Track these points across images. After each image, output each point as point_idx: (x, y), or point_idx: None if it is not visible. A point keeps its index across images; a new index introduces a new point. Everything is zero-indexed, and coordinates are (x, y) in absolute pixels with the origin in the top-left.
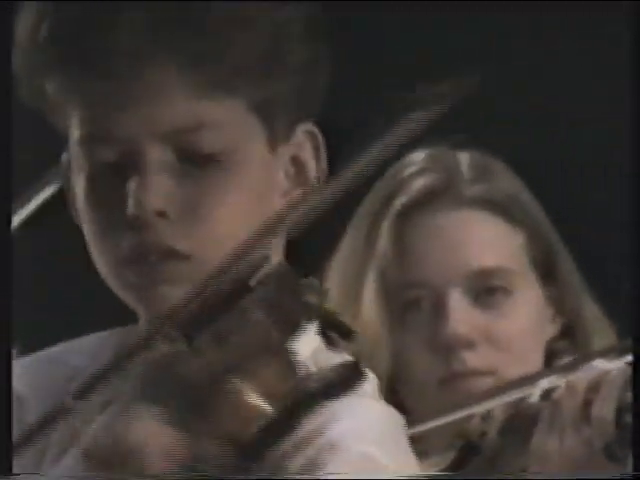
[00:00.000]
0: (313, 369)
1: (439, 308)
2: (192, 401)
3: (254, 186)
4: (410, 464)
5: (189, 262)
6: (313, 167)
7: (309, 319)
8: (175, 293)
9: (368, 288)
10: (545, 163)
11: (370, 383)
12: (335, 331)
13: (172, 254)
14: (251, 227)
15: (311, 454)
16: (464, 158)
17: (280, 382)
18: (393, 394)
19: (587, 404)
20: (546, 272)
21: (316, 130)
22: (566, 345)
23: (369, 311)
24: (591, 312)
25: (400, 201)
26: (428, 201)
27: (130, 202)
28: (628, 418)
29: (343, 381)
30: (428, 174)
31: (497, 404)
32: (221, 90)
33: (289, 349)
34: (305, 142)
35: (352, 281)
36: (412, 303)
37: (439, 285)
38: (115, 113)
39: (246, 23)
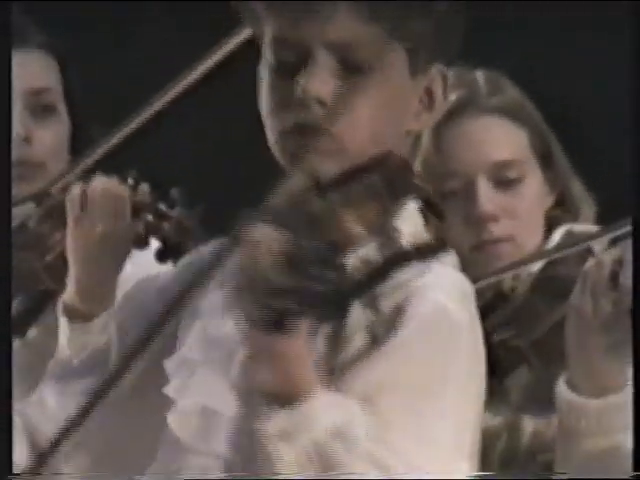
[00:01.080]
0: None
1: (470, 192)
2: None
3: (394, 97)
4: (472, 315)
5: (333, 140)
6: (441, 101)
7: (415, 197)
8: (320, 163)
9: None
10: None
11: (452, 256)
12: (431, 211)
13: (323, 133)
14: (387, 126)
15: (400, 297)
16: (480, 76)
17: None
18: None
19: (614, 274)
20: (544, 160)
21: (447, 70)
22: (559, 213)
23: None
24: (576, 187)
25: None
26: (456, 111)
27: (298, 89)
28: None
29: (431, 249)
30: (456, 90)
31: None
32: (374, 20)
33: (394, 213)
34: (437, 79)
35: None
36: (449, 194)
37: (469, 174)
38: (299, 25)
39: None
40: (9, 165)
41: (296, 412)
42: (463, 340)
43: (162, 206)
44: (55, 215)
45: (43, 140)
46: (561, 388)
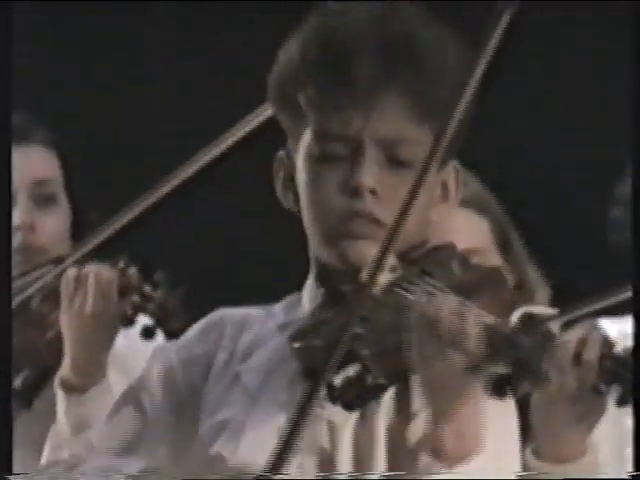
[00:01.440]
0: None
1: None
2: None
3: (426, 189)
4: None
5: (381, 228)
6: (454, 193)
7: None
8: (368, 250)
9: None
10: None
11: None
12: None
13: (373, 221)
14: (423, 215)
15: None
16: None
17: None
18: None
19: (577, 353)
20: (503, 248)
21: (460, 167)
22: (517, 296)
23: None
24: (532, 273)
25: None
26: None
27: (352, 179)
28: (609, 364)
29: None
30: None
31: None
32: (421, 118)
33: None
34: (452, 174)
35: None
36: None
37: None
38: (347, 120)
39: (445, 70)
40: (9, 164)
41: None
42: None
43: (147, 288)
44: (52, 296)
45: (45, 227)
46: (528, 457)
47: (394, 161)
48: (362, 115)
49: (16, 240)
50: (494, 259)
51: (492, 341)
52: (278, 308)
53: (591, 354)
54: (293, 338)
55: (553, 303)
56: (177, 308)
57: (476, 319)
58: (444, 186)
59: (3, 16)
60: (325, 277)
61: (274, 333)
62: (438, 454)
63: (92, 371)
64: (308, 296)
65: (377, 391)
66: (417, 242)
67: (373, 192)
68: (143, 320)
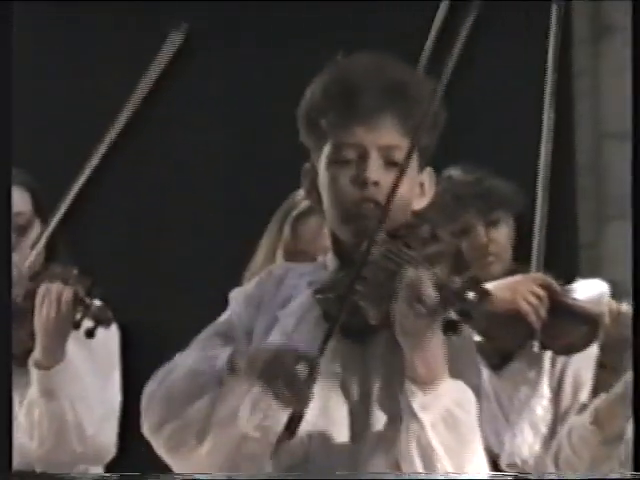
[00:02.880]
0: None
1: None
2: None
3: (412, 182)
4: None
5: (379, 209)
6: (429, 191)
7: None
8: (371, 227)
9: None
10: None
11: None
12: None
13: (376, 204)
14: (408, 204)
15: None
16: None
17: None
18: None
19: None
20: None
21: (432, 171)
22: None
23: None
24: None
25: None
26: None
27: (361, 175)
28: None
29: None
30: None
31: None
32: (406, 133)
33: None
34: (428, 176)
35: None
36: None
37: None
38: (359, 134)
39: (421, 101)
40: (9, 164)
41: (432, 391)
42: None
43: (88, 300)
44: (30, 298)
45: (24, 249)
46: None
47: (389, 162)
48: (366, 131)
49: None
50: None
51: (443, 295)
52: (309, 269)
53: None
54: (316, 292)
55: None
56: (110, 315)
57: (435, 280)
58: (422, 185)
59: (3, 16)
60: (339, 249)
61: (305, 288)
62: (414, 380)
63: (55, 355)
64: (329, 262)
65: (374, 330)
66: (400, 224)
67: (376, 184)
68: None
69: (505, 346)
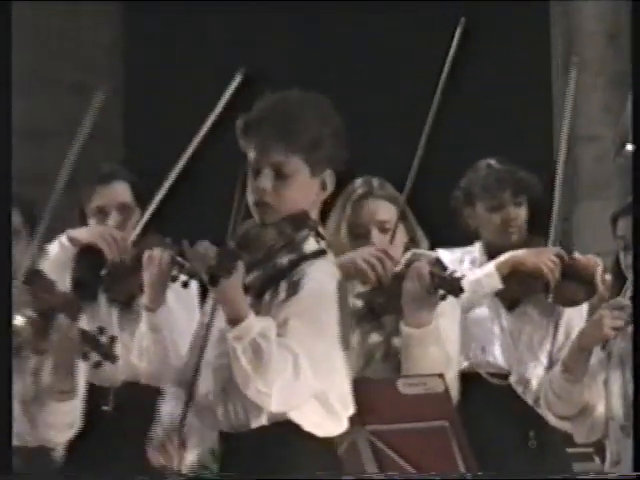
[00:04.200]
0: None
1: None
2: None
3: (303, 189)
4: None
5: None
6: (330, 188)
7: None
8: (267, 214)
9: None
10: None
11: (329, 256)
12: (319, 236)
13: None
14: (302, 198)
15: (299, 276)
16: (375, 180)
17: None
18: None
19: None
20: (403, 219)
21: (333, 174)
22: (410, 245)
23: None
24: (419, 233)
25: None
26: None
27: (254, 185)
28: (437, 279)
29: (318, 253)
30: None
31: None
32: (294, 151)
33: None
34: (328, 178)
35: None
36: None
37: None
38: (251, 153)
39: (309, 128)
40: (9, 165)
41: (240, 326)
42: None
43: (181, 259)
44: (134, 260)
45: (128, 228)
46: (401, 326)
47: (280, 176)
48: (260, 150)
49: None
50: (400, 226)
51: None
52: None
53: (425, 274)
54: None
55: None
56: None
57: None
58: (322, 183)
59: (3, 16)
60: None
61: None
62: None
63: (158, 301)
64: None
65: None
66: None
67: (266, 191)
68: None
69: (519, 294)
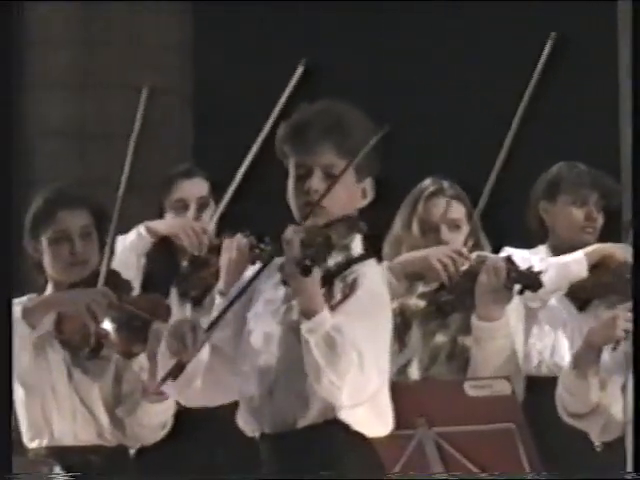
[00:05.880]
0: None
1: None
2: None
3: (350, 193)
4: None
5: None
6: (369, 196)
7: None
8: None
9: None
10: None
11: (376, 260)
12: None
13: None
14: (348, 203)
15: (352, 278)
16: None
17: None
18: None
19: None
20: (469, 219)
21: (373, 183)
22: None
23: None
24: (481, 234)
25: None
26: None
27: (306, 185)
28: (513, 274)
29: (366, 256)
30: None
31: None
32: (344, 155)
33: None
34: (368, 186)
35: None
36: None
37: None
38: (299, 157)
39: (356, 132)
40: (9, 165)
41: (315, 319)
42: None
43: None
44: (211, 252)
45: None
46: (473, 319)
47: (329, 176)
48: (311, 152)
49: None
50: (465, 225)
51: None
52: None
53: (502, 268)
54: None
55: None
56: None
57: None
58: (363, 191)
59: (3, 16)
60: None
61: None
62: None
63: (234, 285)
64: None
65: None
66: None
67: (315, 192)
68: None
69: (594, 293)
